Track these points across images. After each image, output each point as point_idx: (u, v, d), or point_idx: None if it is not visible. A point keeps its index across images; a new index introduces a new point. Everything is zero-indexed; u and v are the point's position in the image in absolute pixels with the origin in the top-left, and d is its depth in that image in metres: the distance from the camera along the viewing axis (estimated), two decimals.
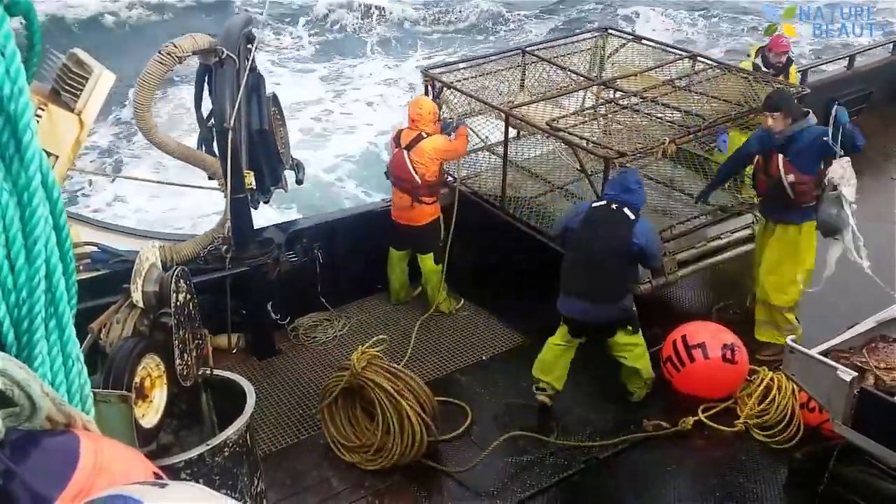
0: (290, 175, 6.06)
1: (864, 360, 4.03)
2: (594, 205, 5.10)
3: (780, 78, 6.93)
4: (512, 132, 6.68)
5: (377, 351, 4.99)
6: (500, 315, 6.52)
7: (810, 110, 5.48)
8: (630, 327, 5.17)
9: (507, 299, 6.63)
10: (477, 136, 6.80)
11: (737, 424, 5.09)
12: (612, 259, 4.97)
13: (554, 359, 5.29)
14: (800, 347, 3.97)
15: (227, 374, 4.16)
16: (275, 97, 5.80)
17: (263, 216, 6.46)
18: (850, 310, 5.39)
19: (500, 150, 6.51)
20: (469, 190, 6.70)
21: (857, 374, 3.75)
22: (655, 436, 5.11)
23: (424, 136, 6.11)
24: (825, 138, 5.12)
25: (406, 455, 4.82)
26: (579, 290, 5.06)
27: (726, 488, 4.73)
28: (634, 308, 5.23)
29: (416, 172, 6.09)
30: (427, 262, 6.43)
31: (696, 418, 5.15)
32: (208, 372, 3.93)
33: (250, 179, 5.49)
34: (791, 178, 5.31)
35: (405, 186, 6.18)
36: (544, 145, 6.75)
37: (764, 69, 7.10)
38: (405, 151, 6.15)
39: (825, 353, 3.98)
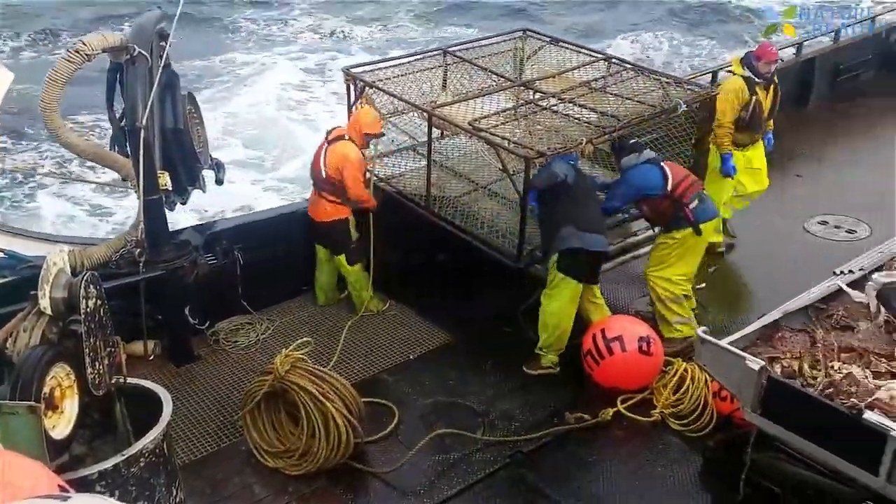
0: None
1: (771, 349, 4.21)
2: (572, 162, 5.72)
3: (704, 84, 7.05)
4: (436, 132, 6.72)
5: (301, 354, 4.93)
6: (427, 314, 6.54)
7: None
8: None
9: (433, 298, 6.66)
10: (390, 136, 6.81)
11: (653, 414, 5.27)
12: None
13: (570, 318, 5.61)
14: (710, 338, 4.12)
15: (142, 381, 4.04)
16: (191, 95, 5.65)
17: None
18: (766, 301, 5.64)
19: (424, 149, 6.52)
20: (394, 189, 6.70)
21: (764, 363, 3.92)
22: (577, 428, 5.22)
23: (346, 138, 6.15)
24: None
25: (332, 458, 4.78)
26: (599, 227, 5.58)
27: (644, 477, 4.89)
28: None
29: (325, 166, 6.17)
30: (341, 263, 6.43)
31: (615, 409, 5.30)
32: (121, 380, 3.79)
33: (165, 180, 5.33)
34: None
35: (314, 177, 6.31)
36: (468, 145, 6.80)
37: (756, 80, 6.80)
38: (326, 144, 6.24)
39: (735, 344, 4.14)
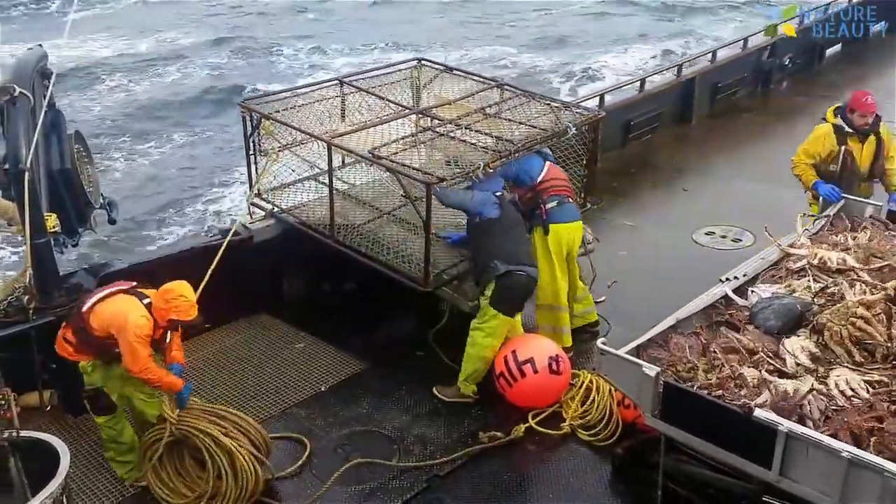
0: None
1: (666, 355, 4.42)
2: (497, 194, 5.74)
3: (591, 108, 7.17)
4: (337, 161, 6.73)
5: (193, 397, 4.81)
6: (339, 344, 6.49)
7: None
8: None
9: (344, 327, 6.62)
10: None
11: (563, 427, 5.40)
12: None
13: (495, 351, 5.64)
14: (609, 349, 4.30)
15: (37, 434, 3.84)
16: (78, 134, 5.47)
17: None
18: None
19: (326, 178, 6.53)
20: (297, 220, 6.65)
21: (659, 369, 4.12)
22: (491, 447, 5.29)
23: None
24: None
25: (242, 497, 4.67)
26: (527, 260, 5.69)
27: (558, 489, 4.99)
28: None
29: (90, 319, 4.73)
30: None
31: (527, 425, 5.41)
32: (14, 434, 3.60)
33: (53, 222, 5.12)
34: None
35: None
36: (370, 173, 6.85)
37: (849, 131, 6.29)
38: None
39: (632, 352, 4.33)
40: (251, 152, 6.78)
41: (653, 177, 9.40)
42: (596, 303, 6.72)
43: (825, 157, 6.27)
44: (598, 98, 9.21)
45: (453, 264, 6.13)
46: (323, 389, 5.99)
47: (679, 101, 10.80)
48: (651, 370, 4.06)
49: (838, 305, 4.33)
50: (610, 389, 5.35)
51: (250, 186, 7.00)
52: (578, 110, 6.73)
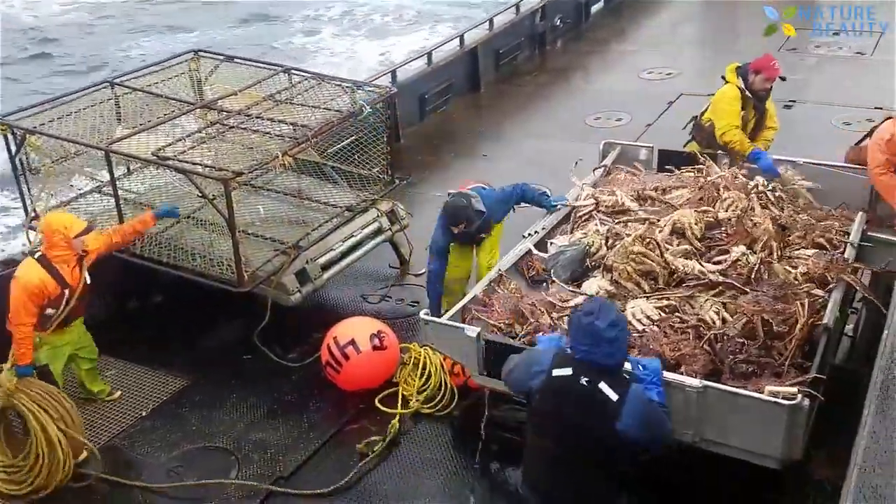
0: None
1: (486, 314, 4.58)
2: (555, 373, 3.45)
3: (383, 84, 7.11)
4: (122, 169, 6.24)
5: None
6: (155, 364, 6.08)
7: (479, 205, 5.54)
8: None
9: (157, 345, 6.21)
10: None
11: (412, 406, 5.36)
12: (589, 458, 3.46)
13: None
14: (431, 318, 4.39)
15: None
16: None
17: None
18: None
19: (111, 189, 6.04)
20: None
21: (479, 329, 4.27)
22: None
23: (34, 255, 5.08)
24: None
25: (54, 473, 4.77)
26: (542, 491, 3.64)
27: (407, 464, 5.03)
28: None
29: None
30: None
31: (397, 419, 5.24)
32: None
33: None
34: None
35: None
36: (159, 177, 6.43)
37: (749, 96, 6.01)
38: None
39: (454, 318, 4.45)
40: (20, 173, 6.13)
41: (453, 146, 9.65)
42: (418, 275, 6.83)
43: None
44: (389, 74, 9.27)
45: (267, 260, 5.94)
46: (144, 414, 5.61)
47: (466, 70, 11.14)
48: (472, 331, 4.20)
49: (618, 245, 4.70)
50: (440, 359, 5.46)
51: (25, 210, 6.34)
52: (371, 88, 6.73)
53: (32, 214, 6.29)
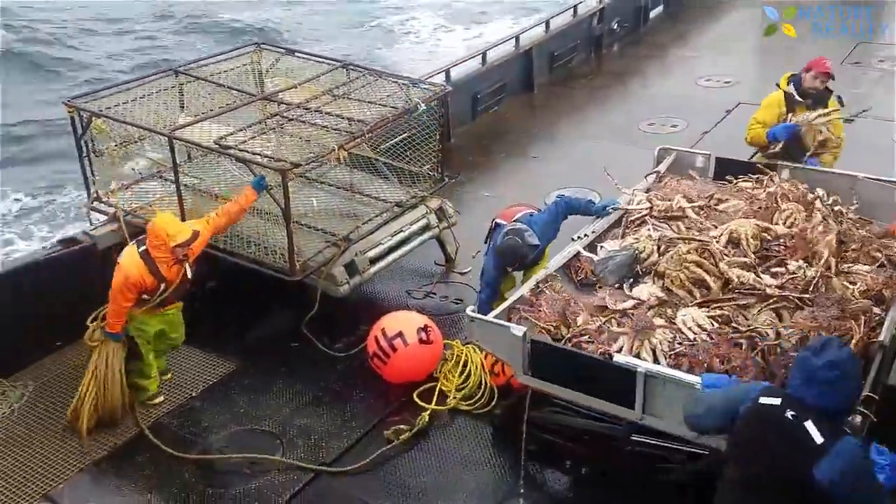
0: None
1: (532, 314, 4.59)
2: (763, 400, 3.22)
3: (438, 83, 7.21)
4: (182, 155, 6.42)
5: None
6: (207, 346, 6.23)
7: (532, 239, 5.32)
8: None
9: (211, 328, 6.37)
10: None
11: (449, 403, 5.42)
12: (785, 495, 3.14)
13: None
14: (477, 315, 4.43)
15: None
16: None
17: None
18: None
19: (171, 175, 6.22)
20: (144, 222, 6.29)
21: (526, 328, 4.29)
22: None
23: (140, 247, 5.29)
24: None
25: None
26: None
27: (444, 459, 5.09)
28: None
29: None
30: None
31: (428, 412, 5.33)
32: None
33: None
34: None
35: None
36: (220, 165, 6.59)
37: (798, 99, 6.08)
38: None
39: (500, 316, 4.47)
40: (84, 154, 6.36)
41: (504, 147, 9.67)
42: (463, 273, 6.87)
43: (774, 123, 6.11)
44: (443, 73, 9.33)
45: (318, 251, 6.06)
46: (194, 395, 5.76)
47: (520, 71, 11.13)
48: (518, 330, 4.22)
49: (672, 252, 4.67)
50: (481, 358, 5.49)
51: (87, 191, 6.57)
52: (426, 86, 6.79)
53: (94, 195, 6.52)
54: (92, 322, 5.45)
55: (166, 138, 5.91)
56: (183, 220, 6.01)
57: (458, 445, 5.17)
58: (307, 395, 5.72)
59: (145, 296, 5.27)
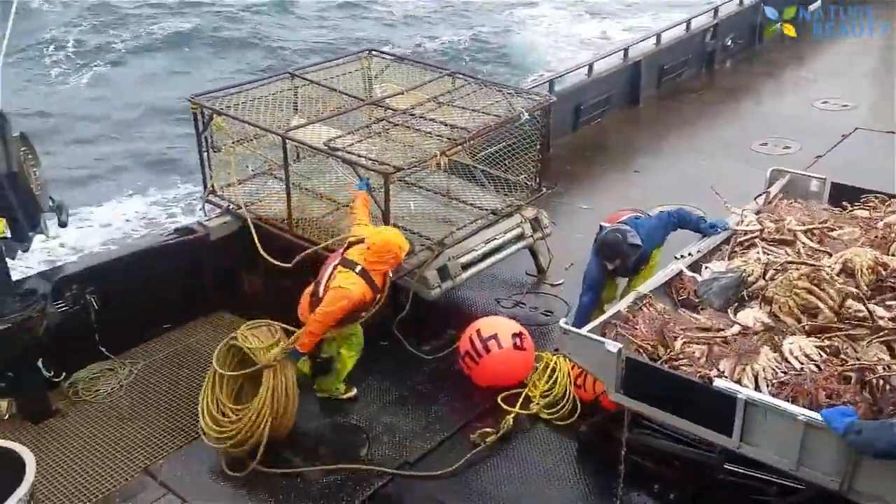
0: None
1: (628, 331, 4.51)
2: None
3: (542, 93, 7.16)
4: (291, 154, 6.68)
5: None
6: None
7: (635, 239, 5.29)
8: None
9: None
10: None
11: (532, 408, 5.44)
12: None
13: None
14: (572, 328, 4.38)
15: (1, 441, 3.76)
16: (23, 136, 5.31)
17: None
18: None
19: (282, 173, 6.48)
20: (253, 216, 6.59)
21: (622, 345, 4.21)
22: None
23: (356, 270, 5.20)
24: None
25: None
26: None
27: (526, 467, 5.06)
28: None
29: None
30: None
31: (513, 415, 5.35)
32: None
33: (2, 227, 4.98)
34: None
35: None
36: (325, 165, 6.82)
37: None
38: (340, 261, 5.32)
39: (595, 330, 4.41)
40: (203, 149, 6.70)
41: (605, 159, 9.55)
42: (554, 285, 6.82)
43: None
44: (547, 84, 9.31)
45: (414, 254, 6.15)
46: None
47: (627, 83, 10.97)
48: (614, 346, 4.15)
49: (782, 277, 4.48)
50: (569, 368, 5.43)
51: (204, 184, 6.92)
52: (530, 96, 6.80)
53: (210, 188, 6.87)
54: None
55: (279, 138, 6.16)
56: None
57: (541, 458, 5.14)
58: (394, 393, 5.81)
59: (363, 313, 5.29)
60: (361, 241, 5.26)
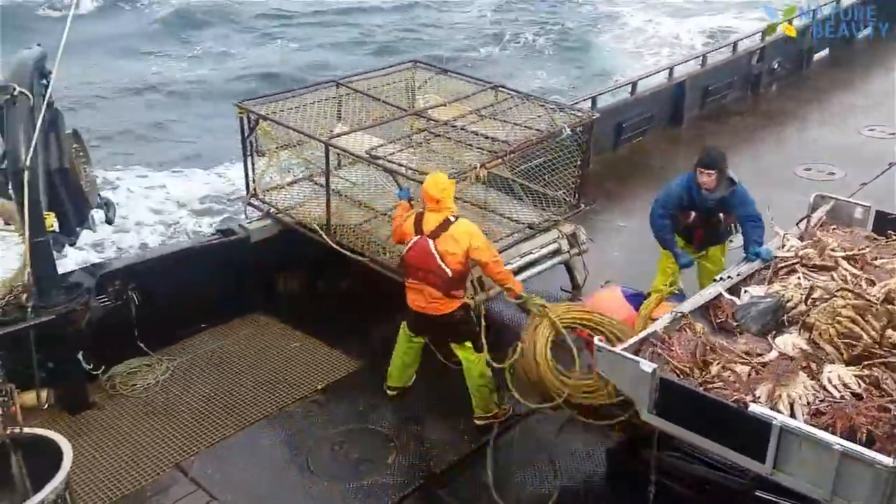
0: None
1: (663, 352, 4.46)
2: None
3: (585, 109, 7.28)
4: (333, 161, 6.77)
5: None
6: (335, 343, 6.52)
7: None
8: None
9: (339, 326, 6.65)
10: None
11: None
12: None
13: None
14: (605, 345, 4.35)
15: (40, 430, 3.86)
16: (76, 133, 5.48)
17: None
18: None
19: (322, 179, 6.57)
20: (293, 220, 6.69)
21: (656, 365, 4.17)
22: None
23: (452, 219, 5.26)
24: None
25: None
26: None
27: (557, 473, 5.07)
28: None
29: (445, 262, 5.20)
30: (464, 352, 5.51)
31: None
32: (17, 430, 3.62)
33: (51, 221, 5.14)
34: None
35: (431, 280, 5.28)
36: (366, 173, 6.90)
37: None
38: (430, 240, 5.23)
39: (629, 349, 4.38)
40: (248, 153, 6.83)
41: (644, 178, 9.48)
42: None
43: None
44: (590, 100, 9.30)
45: None
46: (318, 388, 6.02)
47: (670, 103, 10.91)
48: (648, 366, 4.10)
49: (824, 305, 4.40)
50: None
51: (247, 187, 7.04)
52: (572, 112, 6.80)
53: (252, 192, 6.99)
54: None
55: (322, 145, 6.26)
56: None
57: (571, 468, 5.12)
58: (423, 403, 5.83)
59: None
60: (420, 218, 5.31)
